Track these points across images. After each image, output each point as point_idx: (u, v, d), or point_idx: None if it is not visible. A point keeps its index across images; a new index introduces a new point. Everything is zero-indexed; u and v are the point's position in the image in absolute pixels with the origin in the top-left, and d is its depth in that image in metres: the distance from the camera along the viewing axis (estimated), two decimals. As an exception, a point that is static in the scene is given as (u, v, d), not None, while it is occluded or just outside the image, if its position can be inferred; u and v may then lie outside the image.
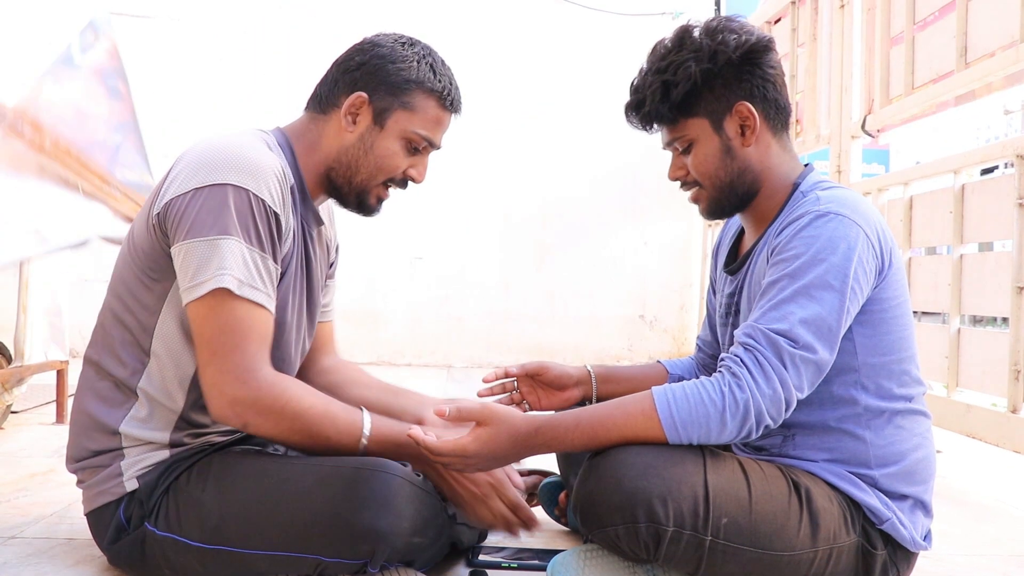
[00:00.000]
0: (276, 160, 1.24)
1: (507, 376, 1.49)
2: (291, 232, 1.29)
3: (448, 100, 1.33)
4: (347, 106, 1.30)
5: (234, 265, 1.15)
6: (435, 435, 1.15)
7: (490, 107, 4.90)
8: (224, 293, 1.14)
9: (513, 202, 4.97)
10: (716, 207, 1.35)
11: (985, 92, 2.61)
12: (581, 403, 1.48)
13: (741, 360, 1.13)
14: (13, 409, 2.82)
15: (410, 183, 1.38)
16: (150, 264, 1.24)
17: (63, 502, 1.81)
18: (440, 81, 1.32)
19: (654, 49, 1.32)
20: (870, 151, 7.92)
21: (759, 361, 1.12)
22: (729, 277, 1.41)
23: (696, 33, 1.28)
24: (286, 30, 4.71)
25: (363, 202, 1.37)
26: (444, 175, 4.95)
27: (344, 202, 1.38)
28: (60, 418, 2.79)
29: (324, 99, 1.34)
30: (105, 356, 1.30)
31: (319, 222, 1.40)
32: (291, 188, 1.29)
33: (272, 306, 1.21)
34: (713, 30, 1.27)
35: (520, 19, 4.96)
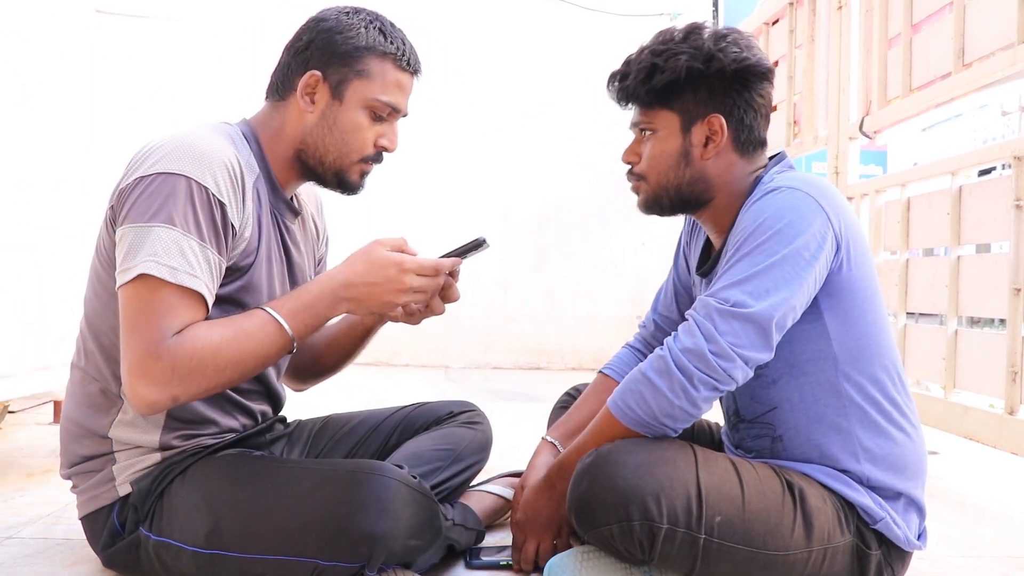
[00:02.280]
0: (227, 148, 1.21)
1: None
2: (252, 220, 1.25)
3: (404, 60, 1.30)
4: (302, 87, 1.27)
5: (163, 252, 1.11)
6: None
7: (489, 107, 4.91)
8: (149, 279, 1.10)
9: (512, 202, 4.96)
10: (653, 203, 1.35)
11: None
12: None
13: (673, 333, 1.18)
14: (10, 409, 2.81)
15: (385, 154, 1.34)
16: (110, 259, 1.21)
17: (60, 502, 1.80)
18: (392, 43, 1.28)
19: (661, 32, 1.31)
20: (868, 152, 7.92)
21: (688, 324, 1.16)
22: (702, 279, 1.41)
23: (705, 33, 1.28)
24: (286, 30, 4.71)
25: (344, 181, 1.33)
26: (444, 175, 4.96)
27: (324, 183, 1.35)
28: (57, 418, 2.79)
29: (280, 85, 1.31)
30: (87, 363, 1.30)
31: (295, 212, 1.38)
32: (257, 176, 1.27)
33: (209, 296, 1.15)
34: (721, 37, 1.27)
35: (519, 19, 4.96)
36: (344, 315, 1.42)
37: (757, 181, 1.30)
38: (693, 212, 1.35)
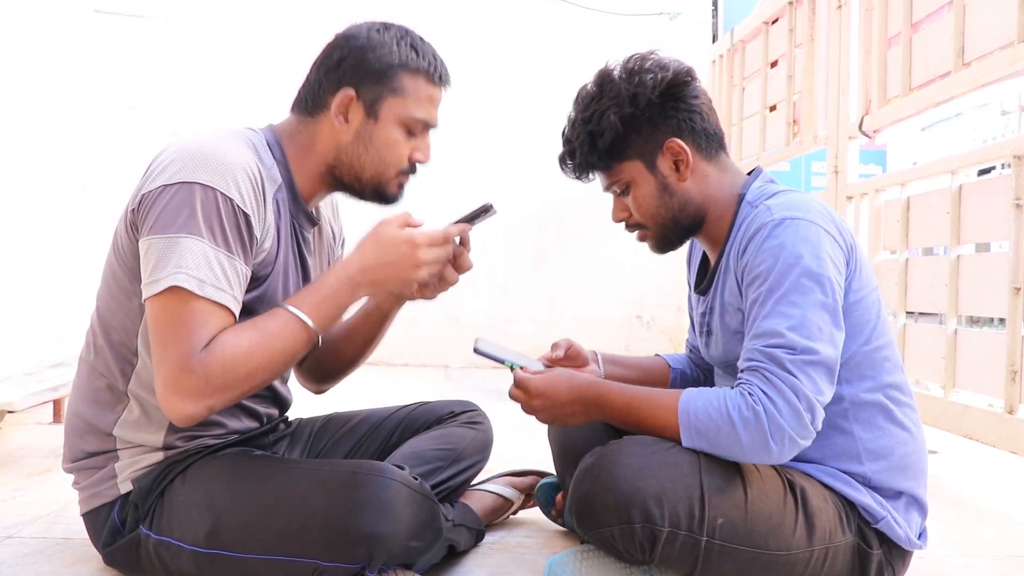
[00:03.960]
0: (250, 158, 1.20)
1: (559, 348, 1.49)
2: (272, 231, 1.25)
3: (436, 75, 1.30)
4: (336, 106, 1.26)
5: (193, 264, 1.10)
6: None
7: (489, 107, 4.90)
8: (180, 291, 1.10)
9: (512, 203, 4.96)
10: (664, 242, 1.36)
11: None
12: None
13: (750, 382, 1.13)
14: (10, 409, 2.81)
15: (419, 166, 1.35)
16: (130, 264, 1.20)
17: (60, 501, 1.81)
18: (424, 59, 1.28)
19: (579, 96, 1.33)
20: (867, 152, 7.91)
21: (766, 377, 1.12)
22: (700, 297, 1.41)
23: (616, 75, 1.29)
24: (286, 30, 4.71)
25: (383, 195, 1.33)
26: (443, 175, 4.95)
27: (362, 197, 1.34)
28: (57, 418, 2.79)
29: (310, 102, 1.30)
30: (95, 358, 1.30)
31: (313, 222, 1.38)
32: (278, 187, 1.27)
33: (236, 307, 1.15)
34: (631, 71, 1.28)
35: (519, 19, 4.96)
36: (360, 303, 1.40)
37: (740, 198, 1.31)
38: (695, 235, 1.36)
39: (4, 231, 2.85)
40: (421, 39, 1.31)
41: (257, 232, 1.20)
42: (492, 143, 4.91)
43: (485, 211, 1.26)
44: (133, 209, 1.18)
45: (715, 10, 5.07)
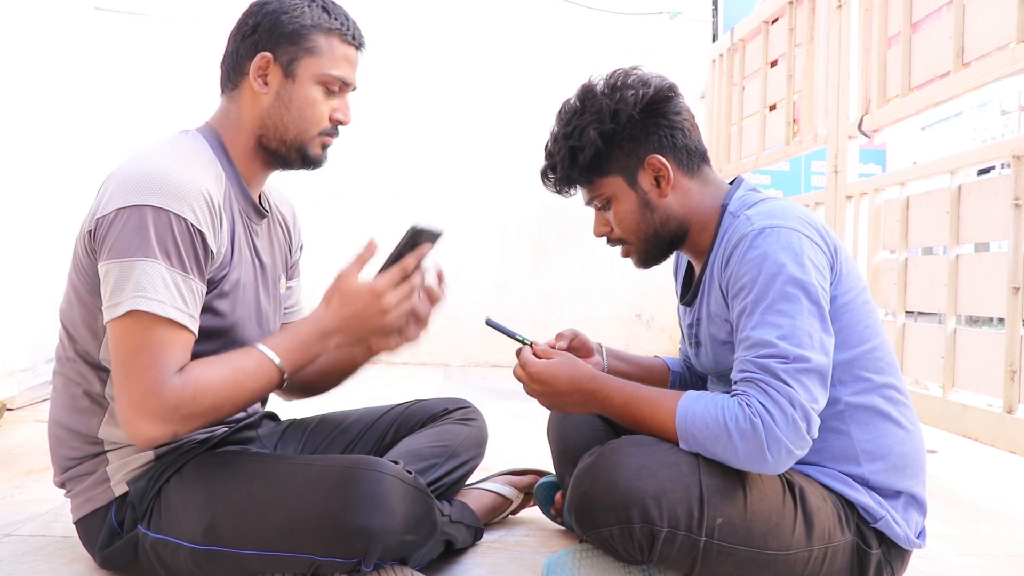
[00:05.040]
0: (200, 175, 1.21)
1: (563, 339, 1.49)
2: (227, 238, 1.27)
3: (349, 35, 1.33)
4: (255, 69, 1.29)
5: (150, 287, 1.13)
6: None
7: (489, 107, 4.90)
8: (140, 315, 1.12)
9: (511, 202, 4.96)
10: (647, 257, 1.37)
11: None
12: None
13: (747, 393, 1.13)
14: (9, 407, 2.81)
15: (340, 128, 1.36)
16: (91, 281, 1.22)
17: (58, 500, 1.80)
18: (336, 19, 1.32)
19: (561, 111, 1.34)
20: (867, 151, 7.90)
21: (762, 388, 1.11)
22: (686, 308, 1.41)
23: (599, 90, 1.30)
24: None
25: (306, 156, 1.35)
26: (443, 175, 4.96)
27: (288, 163, 1.36)
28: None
29: (231, 72, 1.33)
30: (68, 368, 1.30)
31: (261, 214, 1.39)
32: (226, 187, 1.28)
33: (195, 326, 1.18)
34: (613, 87, 1.29)
35: (519, 18, 4.95)
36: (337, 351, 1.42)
37: (724, 208, 1.31)
38: (679, 248, 1.37)
39: (4, 230, 2.85)
40: (333, 2, 1.34)
41: (212, 247, 1.22)
42: (491, 143, 4.91)
43: (416, 234, 1.24)
44: (90, 231, 1.19)
45: (715, 9, 5.07)
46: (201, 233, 1.18)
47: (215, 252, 1.23)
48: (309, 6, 1.30)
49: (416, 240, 1.25)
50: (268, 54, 1.29)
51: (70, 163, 3.41)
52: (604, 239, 1.40)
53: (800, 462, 1.26)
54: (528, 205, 4.95)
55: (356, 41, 1.34)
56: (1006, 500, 2.15)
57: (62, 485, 1.34)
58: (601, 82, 1.31)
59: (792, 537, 1.17)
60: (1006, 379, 2.17)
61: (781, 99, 3.74)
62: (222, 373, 1.17)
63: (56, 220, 3.19)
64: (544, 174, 1.38)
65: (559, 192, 1.38)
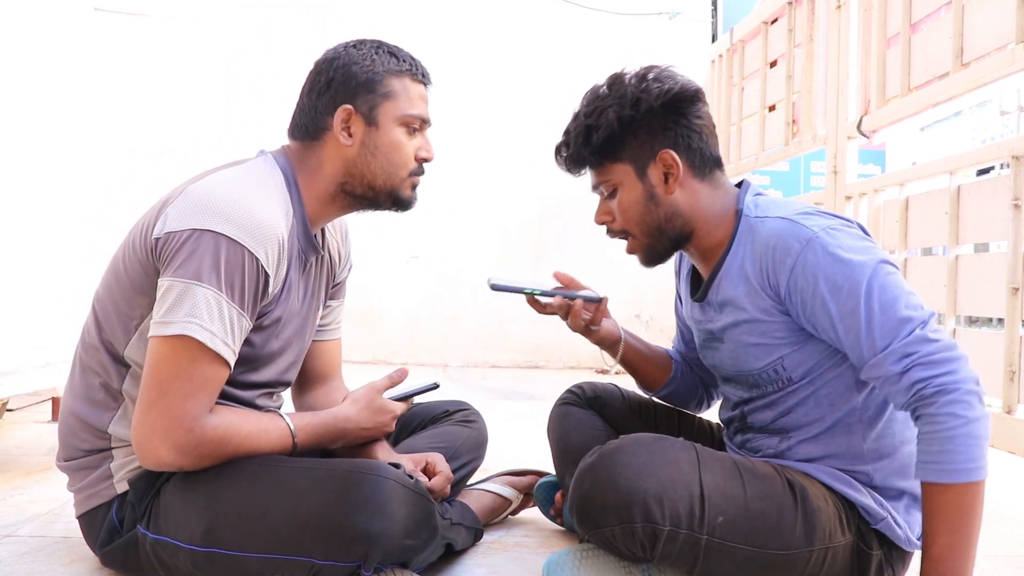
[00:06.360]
0: (276, 212, 1.24)
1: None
2: (283, 277, 1.29)
3: (419, 74, 1.37)
4: (338, 123, 1.31)
5: (207, 316, 1.14)
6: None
7: (489, 107, 4.91)
8: (189, 341, 1.14)
9: (511, 202, 4.97)
10: (651, 254, 1.36)
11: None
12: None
13: (925, 380, 1.09)
14: (9, 407, 2.81)
15: (425, 165, 1.41)
16: (138, 278, 1.23)
17: (58, 500, 1.80)
18: (404, 61, 1.35)
19: (588, 92, 1.35)
20: (866, 152, 7.90)
21: (933, 361, 1.09)
22: (698, 305, 1.40)
23: (627, 79, 1.30)
24: (284, 29, 4.71)
25: (398, 199, 1.38)
26: (443, 175, 4.95)
27: (378, 207, 1.40)
28: (56, 416, 2.79)
29: (311, 127, 1.34)
30: (90, 356, 1.30)
31: (316, 250, 1.40)
32: (292, 226, 1.30)
33: (233, 363, 1.21)
34: (642, 77, 1.29)
35: (519, 18, 4.96)
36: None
37: (738, 212, 1.31)
38: (683, 248, 1.36)
39: (4, 230, 2.85)
40: (396, 46, 1.38)
41: (271, 289, 1.25)
42: (491, 143, 4.91)
43: (428, 390, 1.49)
44: (157, 238, 1.19)
45: (714, 10, 5.07)
46: (267, 275, 1.22)
47: (271, 292, 1.26)
48: (377, 53, 1.34)
49: (430, 390, 1.50)
50: (349, 106, 1.31)
51: (70, 163, 3.41)
52: (604, 229, 1.39)
53: (805, 460, 1.26)
54: (528, 205, 4.96)
55: (425, 79, 1.39)
56: (1006, 500, 2.15)
57: (64, 471, 1.35)
58: (631, 72, 1.32)
59: (792, 537, 1.17)
60: (1005, 379, 2.17)
61: (780, 100, 3.74)
62: (249, 429, 1.23)
63: (56, 220, 3.19)
64: (557, 150, 1.37)
65: (568, 171, 1.38)
